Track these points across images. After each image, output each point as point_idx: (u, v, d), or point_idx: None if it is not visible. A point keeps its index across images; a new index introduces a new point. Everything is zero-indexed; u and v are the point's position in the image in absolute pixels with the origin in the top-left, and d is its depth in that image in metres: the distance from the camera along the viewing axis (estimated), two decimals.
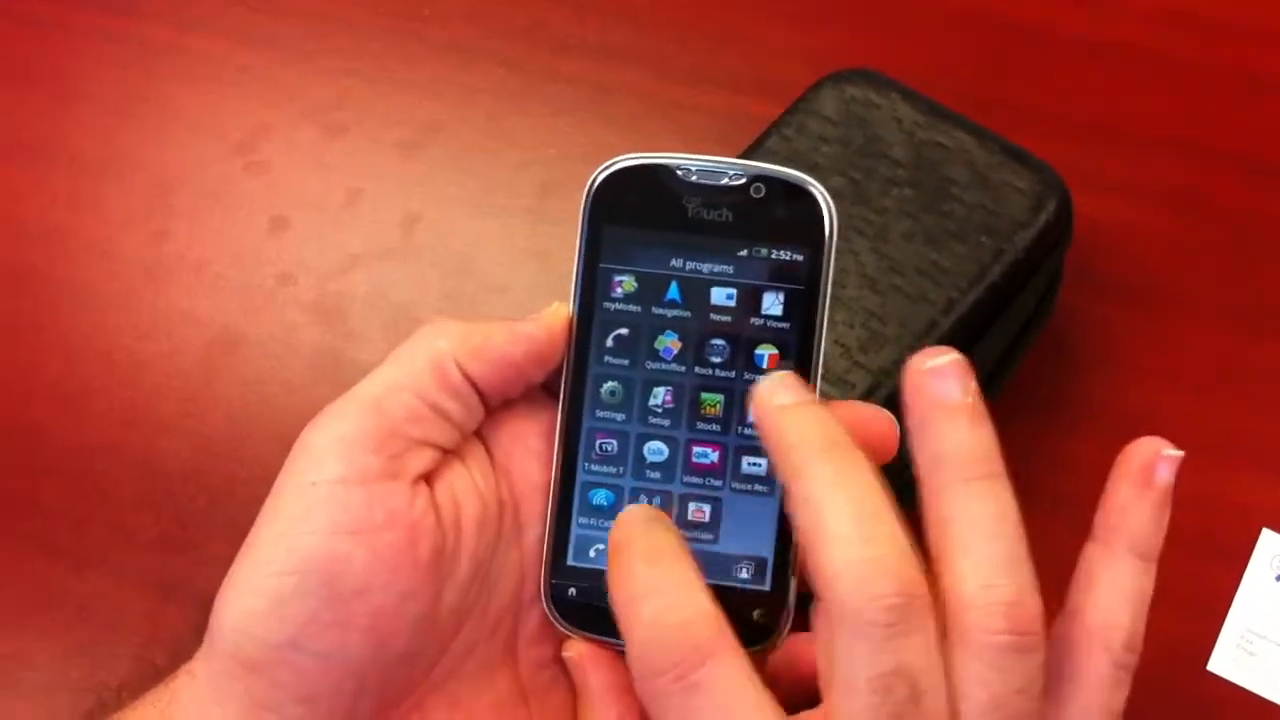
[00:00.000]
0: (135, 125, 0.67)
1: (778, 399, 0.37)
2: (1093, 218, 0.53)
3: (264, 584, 0.38)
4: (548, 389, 0.43)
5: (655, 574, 0.36)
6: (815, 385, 0.40)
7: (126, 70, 0.68)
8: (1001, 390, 0.53)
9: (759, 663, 0.39)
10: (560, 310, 0.42)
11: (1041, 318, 0.54)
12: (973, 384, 0.36)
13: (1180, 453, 0.38)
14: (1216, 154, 0.62)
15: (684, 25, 0.67)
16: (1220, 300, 0.58)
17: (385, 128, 0.66)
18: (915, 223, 0.50)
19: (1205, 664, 0.51)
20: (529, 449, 0.43)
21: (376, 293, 0.61)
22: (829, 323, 0.41)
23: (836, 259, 0.41)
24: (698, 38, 0.67)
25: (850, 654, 0.34)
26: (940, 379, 0.36)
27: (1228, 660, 0.51)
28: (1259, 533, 0.53)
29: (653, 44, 0.67)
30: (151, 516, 0.56)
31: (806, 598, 0.40)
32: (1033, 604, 0.35)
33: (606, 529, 0.41)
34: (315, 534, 0.38)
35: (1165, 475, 0.37)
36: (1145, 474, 0.37)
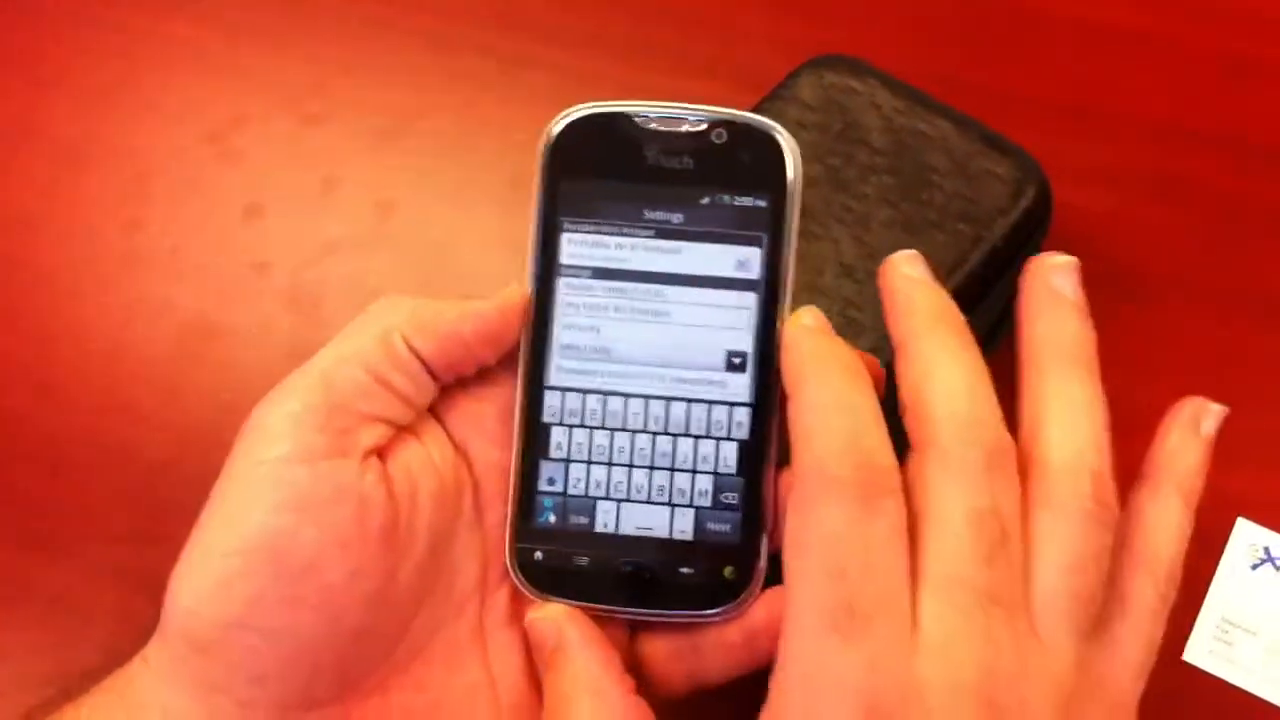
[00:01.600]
0: (111, 111, 0.66)
1: (908, 270, 0.40)
2: (1073, 203, 0.53)
3: (210, 564, 0.38)
4: (508, 365, 0.42)
5: (853, 389, 0.37)
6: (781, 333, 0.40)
7: (102, 56, 0.68)
8: None
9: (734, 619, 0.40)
10: (515, 292, 0.41)
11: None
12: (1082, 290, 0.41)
13: (1224, 408, 0.42)
14: (1200, 138, 0.61)
15: (663, 13, 0.67)
16: (1201, 287, 0.58)
17: (361, 116, 0.65)
18: (894, 210, 0.50)
19: (1181, 654, 0.51)
20: (487, 430, 0.42)
21: (352, 281, 0.61)
22: (796, 274, 0.40)
23: (817, 221, 0.40)
24: (677, 25, 0.67)
25: (948, 492, 0.36)
26: (1060, 274, 0.41)
27: (1203, 650, 0.51)
28: (1235, 522, 0.53)
29: (632, 32, 0.67)
30: (125, 506, 0.56)
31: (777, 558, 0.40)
32: (1112, 484, 0.38)
33: (572, 491, 0.41)
34: (260, 513, 0.38)
35: (1210, 426, 0.42)
36: (1195, 423, 0.41)
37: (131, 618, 0.53)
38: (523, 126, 0.64)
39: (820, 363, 0.38)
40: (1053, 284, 0.40)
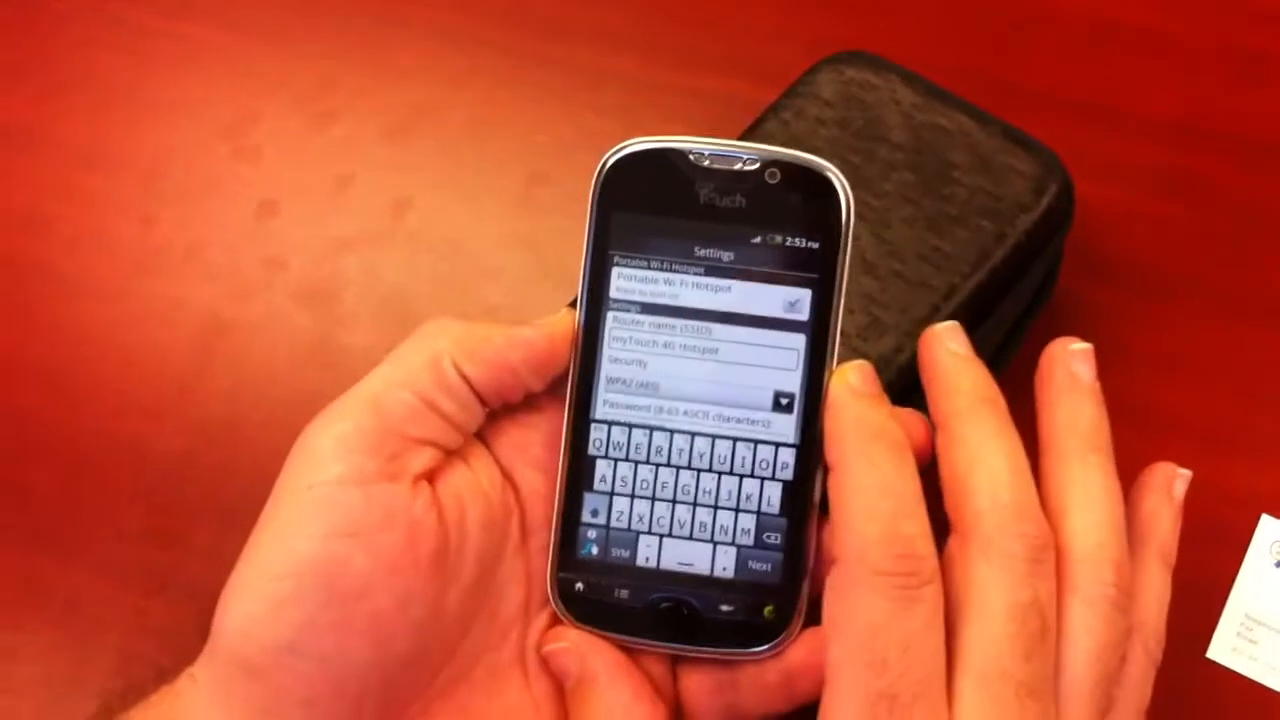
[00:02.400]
0: (124, 111, 0.66)
1: (952, 346, 0.41)
2: (1091, 200, 0.53)
3: (262, 587, 0.38)
4: (555, 393, 0.42)
5: (896, 471, 0.38)
6: (830, 374, 0.40)
7: (115, 56, 0.68)
8: (1002, 375, 0.53)
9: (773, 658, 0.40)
10: (565, 319, 0.41)
11: (1042, 302, 0.54)
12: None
13: (1189, 473, 0.43)
14: (1217, 135, 0.61)
15: (675, 8, 0.67)
16: (1220, 285, 0.57)
17: (374, 113, 0.65)
18: (916, 207, 0.49)
19: (1205, 651, 0.50)
20: (533, 457, 0.42)
21: (367, 278, 0.61)
22: (844, 311, 0.40)
23: (853, 245, 0.40)
24: (689, 21, 0.66)
25: (991, 584, 0.37)
26: (1079, 360, 0.41)
27: (1227, 648, 0.50)
28: (1258, 519, 0.52)
29: (644, 27, 0.66)
30: (141, 505, 0.56)
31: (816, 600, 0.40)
32: (1129, 568, 0.39)
33: (615, 525, 0.41)
34: (312, 537, 0.38)
35: (1181, 489, 0.43)
36: (1168, 488, 0.42)
37: (147, 617, 0.53)
38: (536, 123, 0.64)
39: (863, 437, 0.38)
40: (1072, 369, 0.41)
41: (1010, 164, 0.49)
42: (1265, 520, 0.52)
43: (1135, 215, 0.59)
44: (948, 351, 0.41)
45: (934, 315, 0.47)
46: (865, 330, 0.47)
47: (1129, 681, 0.39)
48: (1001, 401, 0.40)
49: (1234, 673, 0.50)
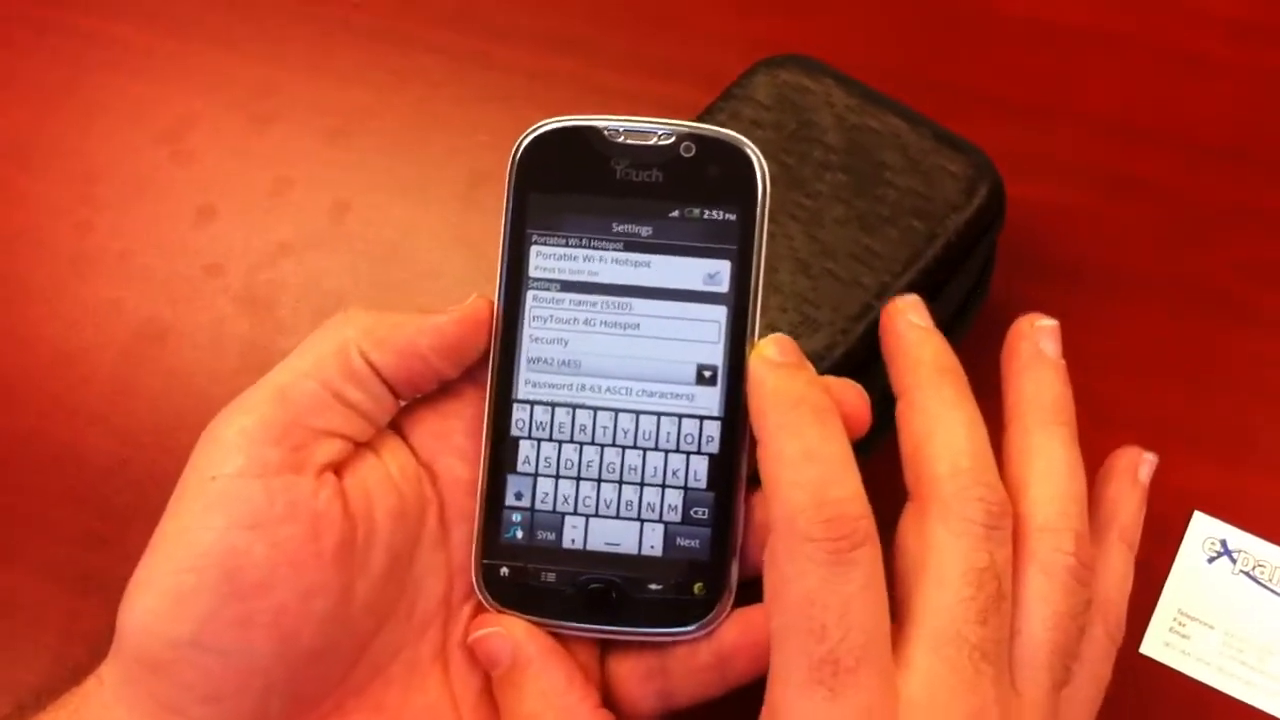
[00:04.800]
0: (60, 114, 0.66)
1: (914, 318, 0.41)
2: (1027, 200, 0.53)
3: (163, 581, 0.37)
4: (477, 381, 0.42)
5: (820, 435, 0.37)
6: (751, 347, 0.40)
7: (51, 58, 0.67)
8: None
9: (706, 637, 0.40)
10: (478, 304, 0.41)
11: (975, 302, 0.54)
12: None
13: (1156, 457, 0.43)
14: (1151, 136, 0.62)
15: (618, 11, 0.67)
16: (1157, 283, 0.58)
17: (313, 116, 0.65)
18: (848, 207, 0.49)
19: (1138, 646, 0.51)
20: (455, 447, 0.42)
21: (306, 282, 0.60)
22: (764, 286, 0.40)
23: (771, 219, 0.40)
24: (631, 24, 0.66)
25: (948, 548, 0.37)
26: (1045, 336, 0.42)
27: (1160, 643, 0.51)
28: (1191, 515, 0.53)
29: (586, 30, 0.66)
30: (74, 510, 0.55)
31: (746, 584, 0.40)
32: (1089, 542, 0.39)
33: (539, 507, 0.41)
34: (213, 529, 0.37)
35: (1146, 474, 0.43)
36: (1133, 472, 0.43)
37: (80, 621, 0.53)
38: (477, 125, 0.64)
39: (784, 407, 0.38)
40: (1039, 345, 0.42)
41: (941, 165, 0.50)
42: (1198, 516, 0.53)
43: (1073, 215, 0.60)
44: (909, 323, 0.41)
45: (866, 314, 0.47)
46: (798, 328, 0.47)
47: (1089, 656, 0.39)
48: (962, 373, 0.40)
49: (1167, 667, 0.50)
